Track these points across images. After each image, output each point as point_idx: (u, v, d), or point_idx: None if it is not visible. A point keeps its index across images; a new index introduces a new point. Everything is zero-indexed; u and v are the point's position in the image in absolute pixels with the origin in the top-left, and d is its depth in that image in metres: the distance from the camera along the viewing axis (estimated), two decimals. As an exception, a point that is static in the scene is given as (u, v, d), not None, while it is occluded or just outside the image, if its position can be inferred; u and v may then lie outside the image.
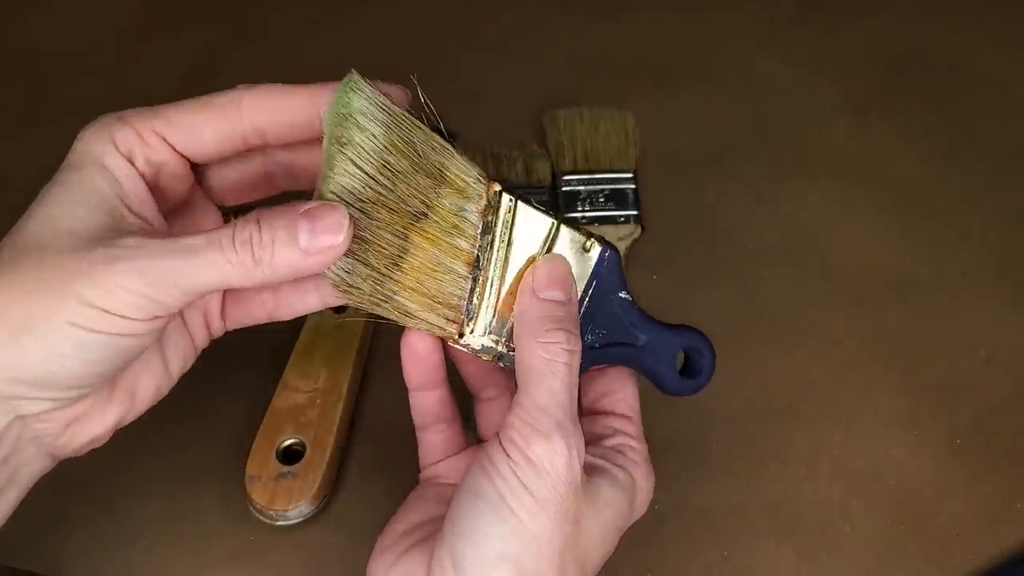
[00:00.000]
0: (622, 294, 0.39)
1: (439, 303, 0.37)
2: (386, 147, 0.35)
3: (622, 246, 0.56)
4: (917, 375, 0.53)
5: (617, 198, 0.58)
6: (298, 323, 0.51)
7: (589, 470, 0.37)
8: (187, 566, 0.46)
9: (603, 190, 0.59)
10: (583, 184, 0.59)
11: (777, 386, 0.52)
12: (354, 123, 0.34)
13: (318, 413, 0.48)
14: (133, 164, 0.36)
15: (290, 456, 0.47)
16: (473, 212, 0.37)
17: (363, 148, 0.34)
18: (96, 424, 0.36)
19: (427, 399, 0.41)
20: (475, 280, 0.37)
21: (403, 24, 0.72)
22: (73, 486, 0.48)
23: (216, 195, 0.41)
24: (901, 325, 0.55)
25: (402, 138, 0.35)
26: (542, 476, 0.34)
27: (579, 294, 0.39)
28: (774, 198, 0.60)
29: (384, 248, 0.35)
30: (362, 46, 0.69)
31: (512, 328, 0.38)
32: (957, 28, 0.70)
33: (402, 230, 0.35)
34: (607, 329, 0.40)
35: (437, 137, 0.36)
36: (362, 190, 0.34)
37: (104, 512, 0.47)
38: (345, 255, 0.34)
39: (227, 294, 0.40)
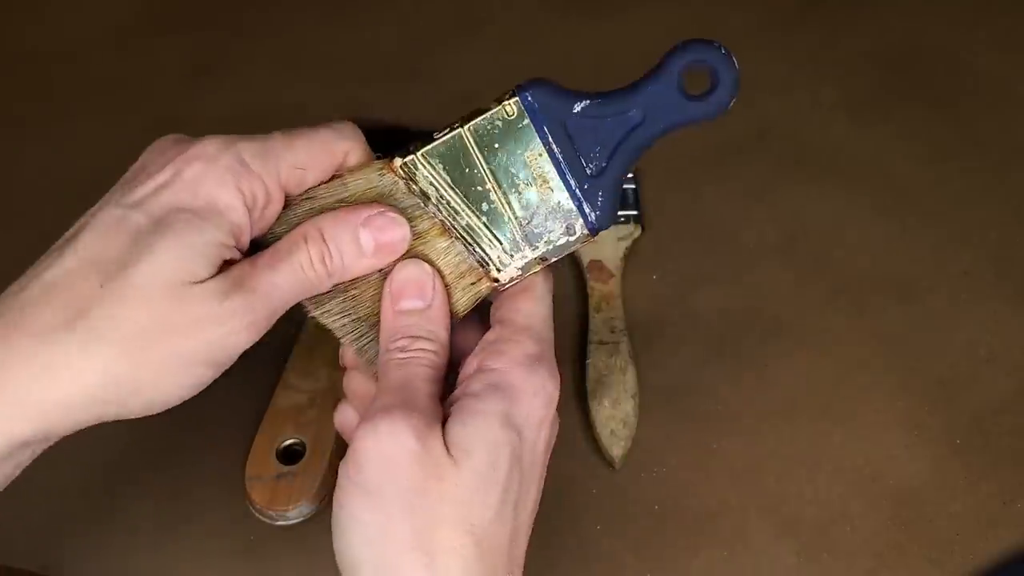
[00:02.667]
0: (576, 108, 0.37)
1: (457, 279, 0.37)
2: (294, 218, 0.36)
3: (622, 246, 0.56)
4: (917, 375, 0.53)
5: (617, 198, 0.58)
6: (299, 322, 0.51)
7: (448, 418, 0.34)
8: (187, 566, 0.46)
9: (603, 190, 0.59)
10: (583, 184, 0.59)
11: (777, 386, 0.52)
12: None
13: (318, 413, 0.48)
14: (250, 215, 0.35)
15: (290, 456, 0.47)
16: (401, 198, 0.36)
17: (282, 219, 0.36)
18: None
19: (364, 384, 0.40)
20: (462, 235, 0.36)
21: (403, 24, 0.72)
22: (73, 486, 0.48)
23: None
24: (901, 325, 0.55)
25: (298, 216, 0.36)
26: (369, 463, 0.32)
27: (545, 151, 0.36)
28: (774, 198, 0.60)
29: (367, 289, 0.37)
30: (362, 46, 0.69)
31: (527, 229, 0.37)
32: (957, 28, 0.70)
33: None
34: (597, 144, 0.37)
35: (333, 184, 0.36)
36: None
37: (104, 512, 0.47)
38: (347, 321, 0.37)
39: None
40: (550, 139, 0.36)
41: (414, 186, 0.36)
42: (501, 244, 0.37)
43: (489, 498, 0.33)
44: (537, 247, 0.37)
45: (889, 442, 0.50)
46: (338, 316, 0.37)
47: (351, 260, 0.35)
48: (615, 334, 0.53)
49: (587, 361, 0.52)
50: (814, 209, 0.60)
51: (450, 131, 0.36)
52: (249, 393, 0.50)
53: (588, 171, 0.36)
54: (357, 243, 0.35)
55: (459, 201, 0.36)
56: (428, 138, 0.36)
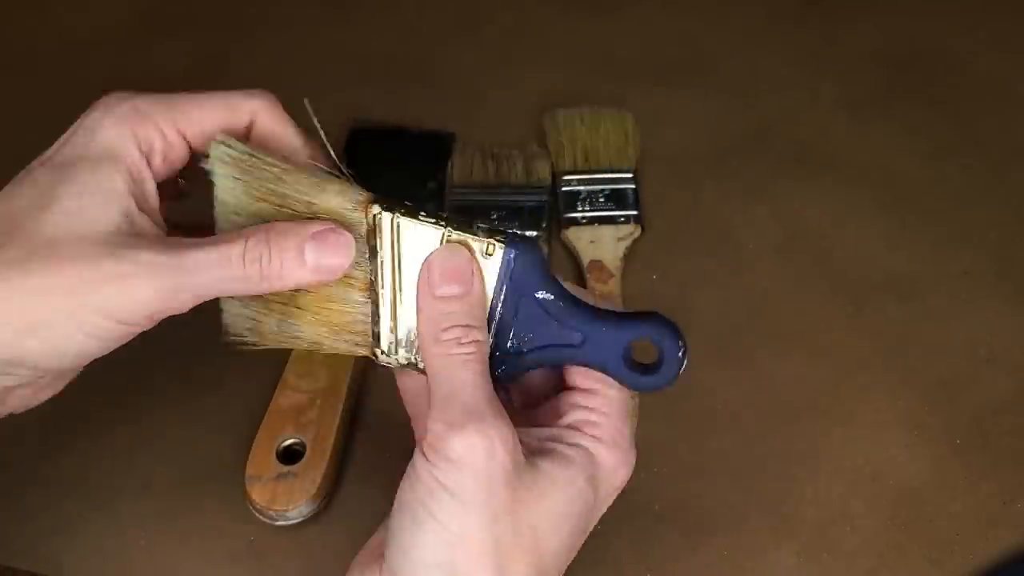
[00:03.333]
0: (540, 294, 0.36)
1: (345, 331, 0.37)
2: (247, 197, 0.36)
3: (622, 246, 0.56)
4: (917, 375, 0.53)
5: (617, 198, 0.58)
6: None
7: (533, 453, 0.35)
8: (187, 566, 0.46)
9: (603, 190, 0.59)
10: (583, 184, 0.59)
11: (777, 386, 0.52)
12: (217, 183, 0.36)
13: (318, 413, 0.48)
14: (150, 163, 0.36)
15: (290, 456, 0.47)
16: (355, 237, 0.36)
17: (227, 203, 0.36)
18: (39, 395, 0.37)
19: (418, 380, 0.40)
20: (375, 303, 0.37)
21: (403, 24, 0.72)
22: (73, 486, 0.48)
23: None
24: (901, 325, 0.55)
25: (260, 186, 0.36)
26: (462, 471, 0.33)
27: (489, 297, 0.36)
28: (774, 198, 0.60)
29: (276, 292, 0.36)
30: (362, 46, 0.69)
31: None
32: (957, 28, 0.70)
33: None
34: (533, 332, 0.37)
35: (304, 176, 0.36)
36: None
37: (104, 512, 0.47)
38: (243, 307, 0.37)
39: None
40: (501, 296, 0.36)
41: (373, 238, 0.36)
42: (396, 335, 0.37)
43: (557, 538, 0.35)
44: (419, 360, 0.37)
45: (889, 442, 0.50)
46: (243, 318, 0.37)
47: (289, 270, 0.34)
48: (615, 334, 0.53)
49: (587, 361, 0.51)
50: (814, 209, 0.60)
51: (436, 223, 0.36)
52: (249, 393, 0.50)
53: (509, 344, 0.37)
54: (301, 255, 0.34)
55: (394, 278, 0.36)
56: (415, 208, 0.36)
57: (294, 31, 0.71)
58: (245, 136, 0.38)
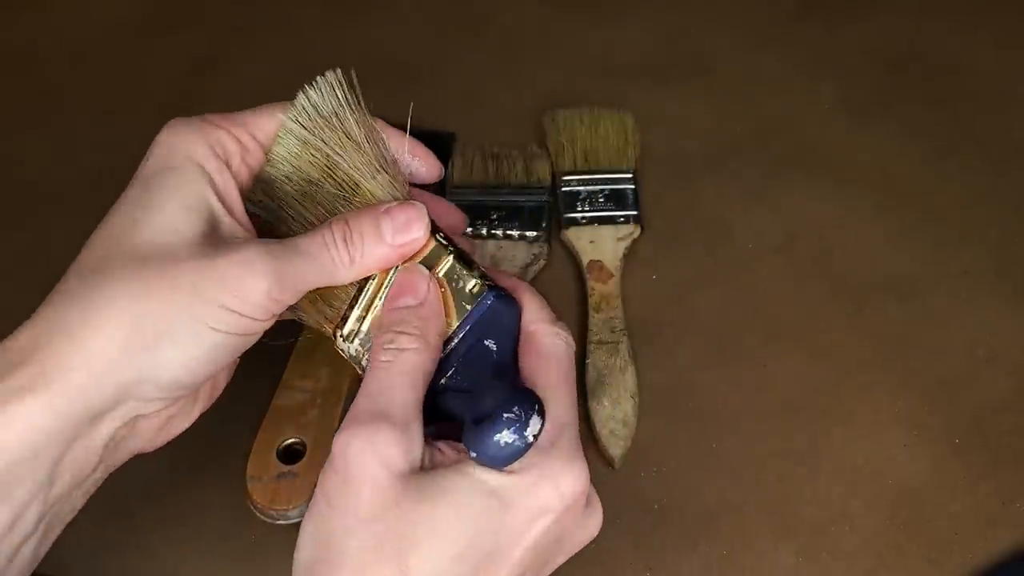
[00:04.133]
0: (488, 342, 0.38)
1: (325, 301, 0.38)
2: (297, 155, 0.39)
3: (621, 246, 0.56)
4: (917, 375, 0.53)
5: (617, 198, 0.58)
6: (298, 323, 0.51)
7: (442, 463, 0.34)
8: (188, 566, 0.46)
9: (603, 190, 0.59)
10: (583, 184, 0.59)
11: (777, 386, 0.52)
12: (286, 127, 0.39)
13: (318, 413, 0.48)
14: (229, 167, 0.37)
15: (291, 456, 0.47)
16: None
17: (277, 155, 0.39)
18: (184, 421, 0.38)
19: None
20: (359, 291, 0.38)
21: (403, 24, 0.72)
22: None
23: None
24: (901, 325, 0.55)
25: (317, 149, 0.38)
26: (335, 473, 0.33)
27: (453, 326, 0.37)
28: (774, 198, 0.60)
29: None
30: (362, 46, 0.69)
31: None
32: (957, 28, 0.70)
33: (308, 224, 0.38)
34: (463, 374, 0.38)
35: (363, 157, 0.38)
36: (281, 183, 0.39)
37: (104, 512, 0.47)
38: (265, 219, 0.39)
39: None
40: (464, 330, 0.37)
41: None
42: (359, 327, 0.38)
43: (434, 552, 0.32)
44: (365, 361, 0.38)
45: (889, 442, 0.50)
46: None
47: (370, 248, 0.36)
48: (615, 334, 0.53)
49: (587, 361, 0.52)
50: (814, 209, 0.60)
51: (447, 246, 0.38)
52: (249, 393, 0.50)
53: (443, 379, 0.37)
54: (378, 229, 0.36)
55: (385, 278, 0.38)
56: (435, 226, 0.38)
57: (294, 31, 0.71)
58: None
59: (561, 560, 0.37)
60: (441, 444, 0.36)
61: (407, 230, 0.36)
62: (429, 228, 0.37)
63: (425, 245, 0.37)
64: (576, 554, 0.47)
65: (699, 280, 0.57)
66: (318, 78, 0.39)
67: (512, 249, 0.57)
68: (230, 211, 0.36)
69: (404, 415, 0.34)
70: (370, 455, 0.32)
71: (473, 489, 0.33)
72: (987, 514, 0.48)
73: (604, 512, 0.48)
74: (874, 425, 0.51)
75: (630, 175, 0.59)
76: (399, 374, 0.35)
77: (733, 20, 0.71)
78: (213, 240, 0.35)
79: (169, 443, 0.49)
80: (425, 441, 0.35)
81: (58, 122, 0.64)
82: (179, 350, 0.33)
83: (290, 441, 0.47)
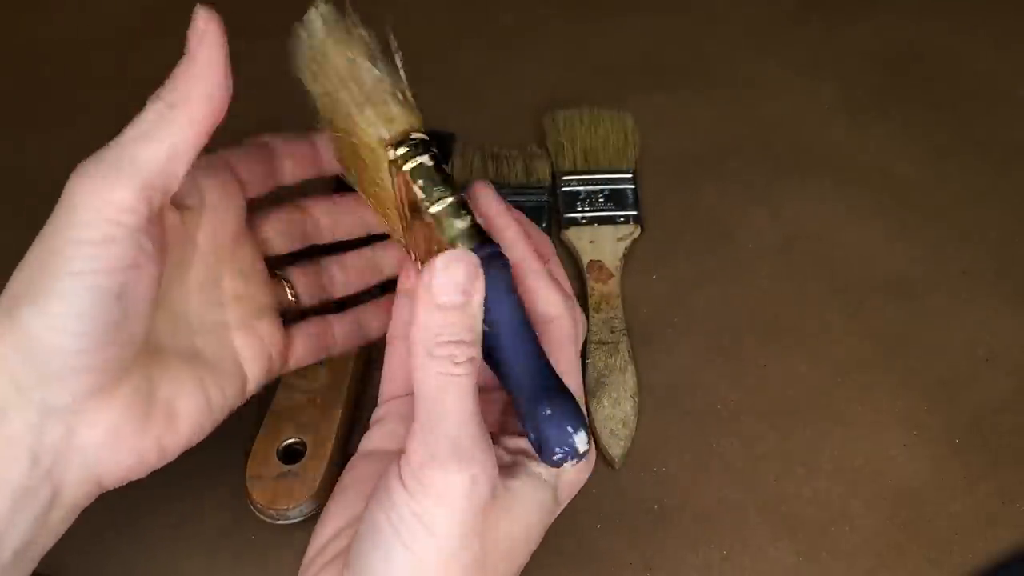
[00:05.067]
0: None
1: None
2: (320, 78, 0.39)
3: (621, 246, 0.56)
4: (916, 375, 0.53)
5: (616, 198, 0.58)
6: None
7: (505, 468, 0.35)
8: (188, 566, 0.46)
9: (602, 190, 0.59)
10: (582, 184, 0.59)
11: (777, 386, 0.52)
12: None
13: (318, 412, 0.48)
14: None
15: (291, 455, 0.47)
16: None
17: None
18: (136, 439, 0.35)
19: (403, 358, 0.40)
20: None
21: (403, 24, 0.72)
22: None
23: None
24: (900, 325, 0.55)
25: (328, 79, 0.38)
26: (439, 507, 0.32)
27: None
28: (774, 198, 0.60)
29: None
30: (362, 46, 0.69)
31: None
32: (957, 28, 0.70)
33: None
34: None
35: (362, 90, 0.38)
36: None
37: (104, 512, 0.47)
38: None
39: (295, 331, 0.42)
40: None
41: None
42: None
43: (513, 551, 0.35)
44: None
45: (888, 442, 0.50)
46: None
47: (187, 76, 0.35)
48: (615, 334, 0.53)
49: (587, 361, 0.52)
50: (814, 209, 0.60)
51: (447, 188, 0.36)
52: (249, 393, 0.50)
53: None
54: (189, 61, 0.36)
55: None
56: (436, 170, 0.37)
57: (294, 32, 0.71)
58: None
59: None
60: (500, 441, 0.37)
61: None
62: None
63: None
64: (576, 554, 0.47)
65: (699, 280, 0.57)
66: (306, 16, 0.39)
67: (512, 249, 0.57)
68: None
69: (482, 441, 0.33)
70: (480, 488, 0.32)
71: (544, 496, 0.35)
72: (987, 514, 0.48)
73: (603, 513, 0.48)
74: (874, 425, 0.51)
75: (630, 175, 0.59)
76: (462, 398, 0.32)
77: (733, 21, 0.71)
78: None
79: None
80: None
81: (58, 122, 0.64)
82: (39, 312, 0.31)
83: (290, 441, 0.47)
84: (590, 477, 0.49)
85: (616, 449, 0.49)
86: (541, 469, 0.36)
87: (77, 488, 0.34)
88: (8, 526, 0.32)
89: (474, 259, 0.33)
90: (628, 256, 0.57)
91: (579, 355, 0.38)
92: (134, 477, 0.36)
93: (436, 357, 0.32)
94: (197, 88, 0.33)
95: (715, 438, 0.50)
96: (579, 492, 0.48)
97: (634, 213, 0.58)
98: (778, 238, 0.59)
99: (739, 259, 0.58)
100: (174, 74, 0.33)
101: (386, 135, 0.36)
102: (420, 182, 0.36)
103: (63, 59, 0.69)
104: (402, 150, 0.36)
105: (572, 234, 0.57)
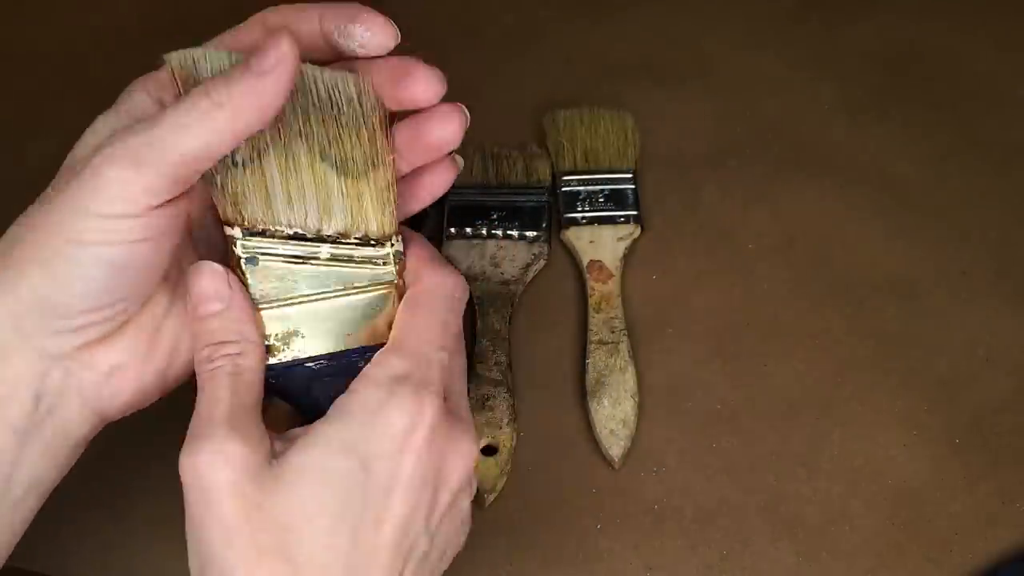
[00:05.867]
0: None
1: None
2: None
3: (621, 246, 0.56)
4: (916, 375, 0.53)
5: (617, 198, 0.58)
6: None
7: (291, 445, 0.34)
8: (188, 566, 0.46)
9: (603, 190, 0.59)
10: (583, 184, 0.59)
11: (776, 386, 0.52)
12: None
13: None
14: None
15: (290, 456, 0.47)
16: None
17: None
18: (137, 375, 0.36)
19: None
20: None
21: (403, 24, 0.72)
22: (73, 486, 0.48)
23: None
24: (900, 325, 0.55)
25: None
26: (188, 492, 0.33)
27: None
28: (774, 198, 0.60)
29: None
30: (362, 46, 0.69)
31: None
32: (957, 28, 0.70)
33: None
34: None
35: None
36: None
37: (104, 512, 0.47)
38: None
39: None
40: None
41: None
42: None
43: (313, 528, 0.32)
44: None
45: (888, 442, 0.50)
46: None
47: (234, 79, 0.32)
48: (615, 334, 0.53)
49: (587, 361, 0.52)
50: (814, 209, 0.60)
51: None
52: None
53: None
54: (241, 64, 0.33)
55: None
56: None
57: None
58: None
59: (456, 491, 0.35)
60: (289, 432, 0.35)
61: (272, 52, 0.32)
62: (295, 49, 0.32)
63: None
64: (576, 554, 0.47)
65: (699, 280, 0.57)
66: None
67: (512, 249, 0.57)
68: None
69: (237, 420, 0.33)
70: (223, 467, 0.32)
71: (327, 454, 0.32)
72: (987, 514, 0.48)
73: (603, 512, 0.48)
74: (874, 425, 0.51)
75: (630, 175, 0.59)
76: (214, 387, 0.34)
77: (733, 20, 0.71)
78: None
79: (169, 442, 0.49)
80: (272, 432, 0.34)
81: (58, 122, 0.64)
82: (46, 273, 0.32)
83: (290, 441, 0.47)
84: (590, 477, 0.49)
85: (616, 449, 0.49)
86: (335, 433, 0.33)
87: (81, 424, 0.35)
88: (17, 463, 0.33)
89: (220, 269, 0.35)
90: (628, 256, 0.57)
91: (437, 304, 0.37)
92: (137, 408, 0.37)
93: (199, 361, 0.35)
94: (253, 101, 0.32)
95: (715, 438, 0.51)
96: (579, 492, 0.49)
97: (634, 213, 0.58)
98: (778, 238, 0.59)
99: (739, 259, 0.58)
100: (232, 76, 0.32)
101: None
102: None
103: (62, 59, 0.69)
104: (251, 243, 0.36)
105: (572, 234, 0.57)
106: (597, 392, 0.50)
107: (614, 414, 0.50)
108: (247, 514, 0.32)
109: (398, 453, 0.33)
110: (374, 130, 0.36)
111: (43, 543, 0.46)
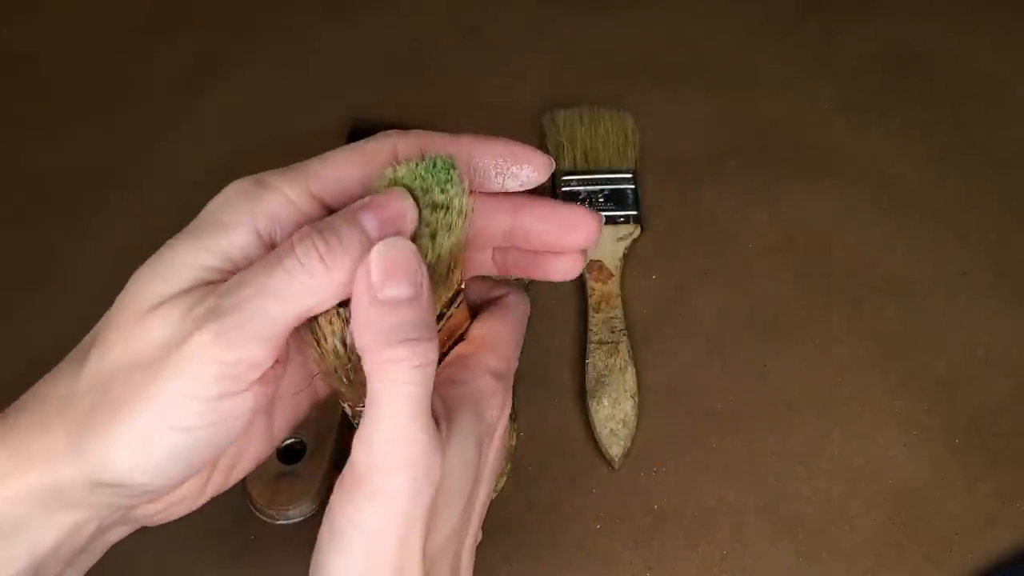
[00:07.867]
0: None
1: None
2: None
3: (621, 246, 0.57)
4: (915, 375, 0.53)
5: (617, 198, 0.59)
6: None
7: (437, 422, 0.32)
8: (188, 565, 0.46)
9: (603, 190, 0.59)
10: (583, 184, 0.59)
11: (776, 386, 0.52)
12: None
13: (318, 413, 0.48)
14: (272, 229, 0.30)
15: (291, 455, 0.47)
16: None
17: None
18: (190, 505, 0.34)
19: None
20: None
21: (403, 24, 0.72)
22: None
23: None
24: (899, 325, 0.55)
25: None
26: (379, 511, 0.29)
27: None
28: (774, 198, 0.61)
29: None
30: (362, 46, 0.69)
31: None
32: (956, 29, 0.70)
33: None
34: None
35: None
36: None
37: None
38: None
39: None
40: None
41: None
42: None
43: (449, 518, 0.31)
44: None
45: (888, 442, 0.50)
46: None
47: (351, 244, 0.28)
48: (615, 334, 0.53)
49: (587, 361, 0.52)
50: (813, 209, 0.60)
51: None
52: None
53: None
54: (357, 223, 0.29)
55: None
56: None
57: (294, 32, 0.71)
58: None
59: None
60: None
61: (389, 211, 0.29)
62: (415, 217, 0.30)
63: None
64: (576, 554, 0.47)
65: (699, 280, 0.57)
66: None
67: (512, 249, 0.57)
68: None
69: (428, 441, 0.29)
70: (423, 489, 0.29)
71: (468, 448, 0.32)
72: (987, 514, 0.48)
73: (603, 512, 0.48)
74: (873, 425, 0.51)
75: (630, 175, 0.59)
76: (415, 400, 0.28)
77: (733, 21, 0.72)
78: (175, 304, 0.29)
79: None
80: None
81: (58, 122, 0.64)
82: (129, 452, 0.28)
83: (290, 441, 0.47)
84: (590, 477, 0.50)
85: (616, 449, 0.49)
86: (462, 424, 0.31)
87: (121, 533, 0.34)
88: (54, 564, 0.31)
89: (410, 244, 0.29)
90: (628, 256, 0.57)
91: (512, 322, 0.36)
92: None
93: (384, 363, 0.28)
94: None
95: (715, 438, 0.51)
96: (579, 492, 0.49)
97: (634, 213, 0.58)
98: (778, 238, 0.59)
99: (739, 259, 0.58)
100: (340, 243, 0.28)
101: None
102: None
103: (63, 59, 0.69)
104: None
105: (572, 234, 0.57)
106: (597, 392, 0.51)
107: (614, 414, 0.50)
108: (419, 530, 0.30)
109: (488, 446, 0.33)
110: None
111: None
